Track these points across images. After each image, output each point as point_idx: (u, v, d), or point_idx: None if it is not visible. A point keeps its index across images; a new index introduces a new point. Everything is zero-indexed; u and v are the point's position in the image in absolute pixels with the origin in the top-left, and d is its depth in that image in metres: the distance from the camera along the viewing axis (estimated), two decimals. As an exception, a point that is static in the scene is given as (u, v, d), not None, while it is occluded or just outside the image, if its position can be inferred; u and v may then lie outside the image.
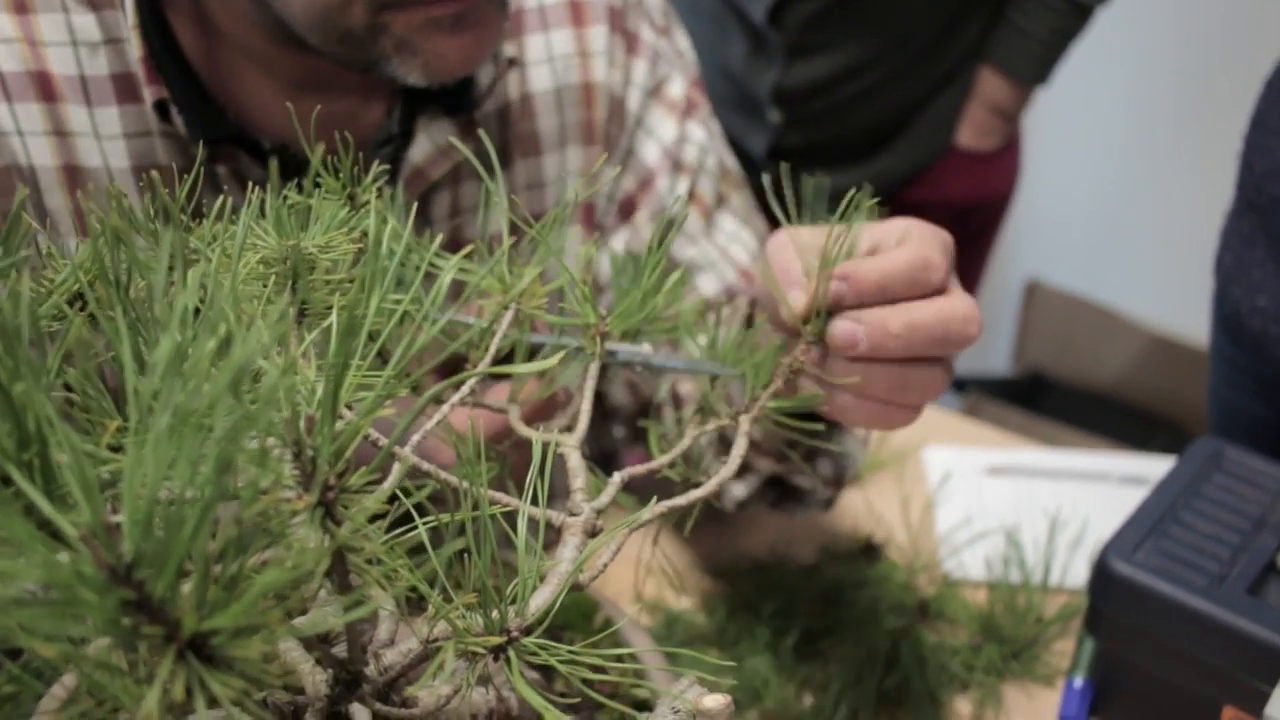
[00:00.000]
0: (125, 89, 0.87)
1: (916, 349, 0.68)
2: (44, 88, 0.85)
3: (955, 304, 0.69)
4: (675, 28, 1.12)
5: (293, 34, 0.82)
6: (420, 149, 0.93)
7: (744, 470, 1.03)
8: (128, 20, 0.84)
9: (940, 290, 0.70)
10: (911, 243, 0.70)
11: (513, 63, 0.96)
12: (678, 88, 1.08)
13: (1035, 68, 1.89)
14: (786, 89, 1.87)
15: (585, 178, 1.03)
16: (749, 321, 0.79)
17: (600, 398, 1.16)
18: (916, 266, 0.68)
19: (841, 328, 0.67)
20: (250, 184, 0.88)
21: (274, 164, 0.58)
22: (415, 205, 0.95)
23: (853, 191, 0.65)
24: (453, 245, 0.99)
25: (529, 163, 1.02)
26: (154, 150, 0.88)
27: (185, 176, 0.88)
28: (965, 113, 1.93)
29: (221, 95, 0.89)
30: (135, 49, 0.84)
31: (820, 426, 0.72)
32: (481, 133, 0.77)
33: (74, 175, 0.87)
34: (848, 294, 0.68)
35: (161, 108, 0.85)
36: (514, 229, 0.65)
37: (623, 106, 1.05)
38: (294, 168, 0.87)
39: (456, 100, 0.94)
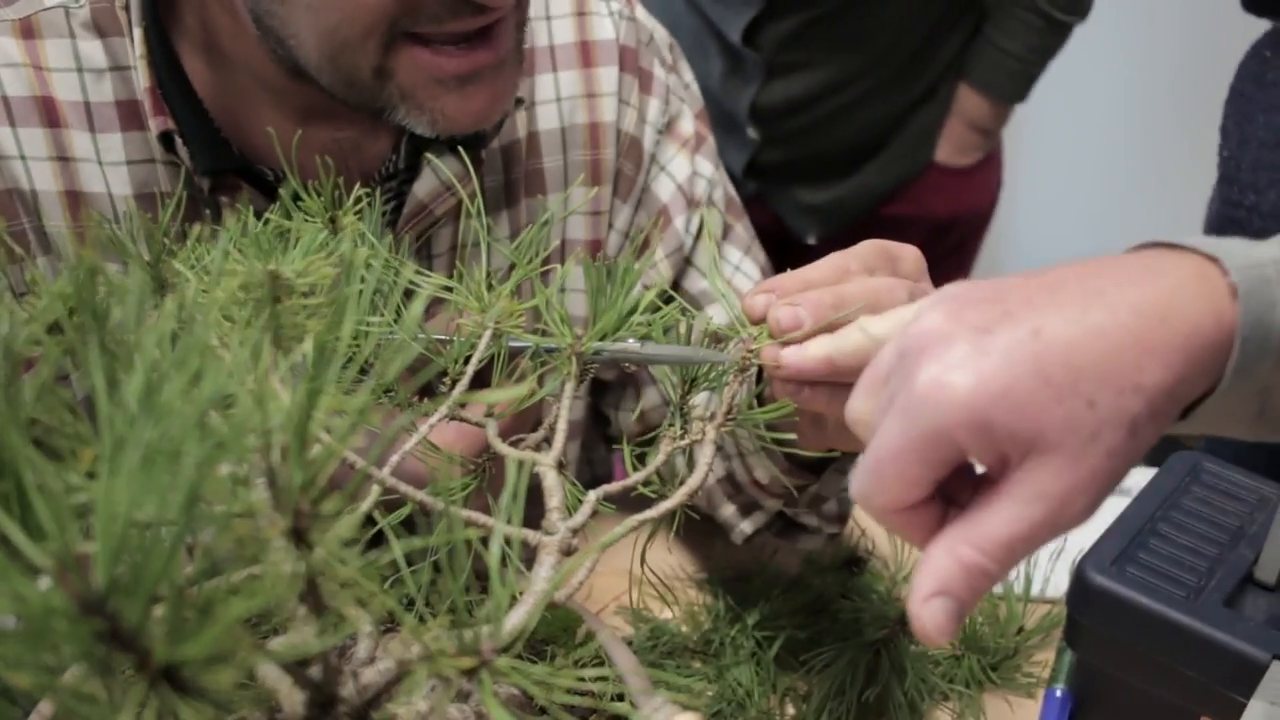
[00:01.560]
0: (129, 116, 0.87)
1: (852, 313, 0.69)
2: (48, 113, 0.85)
3: (880, 279, 0.71)
4: (680, 62, 1.13)
5: (304, 71, 0.83)
6: (425, 184, 0.93)
7: (753, 508, 1.04)
8: (135, 49, 0.84)
9: None
10: (832, 255, 0.72)
11: (520, 102, 0.96)
12: (688, 123, 1.09)
13: (1014, 85, 1.90)
14: (763, 107, 1.88)
15: (590, 216, 1.04)
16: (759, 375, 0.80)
17: (606, 423, 1.17)
18: (834, 271, 0.71)
19: (784, 312, 0.68)
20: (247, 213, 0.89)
21: (245, 204, 0.58)
22: (416, 240, 0.96)
23: None
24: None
25: (533, 201, 1.02)
26: (156, 178, 0.88)
27: (185, 205, 0.89)
28: (944, 129, 1.94)
29: (227, 126, 0.89)
30: (143, 79, 0.84)
31: (833, 454, 0.73)
32: (478, 171, 0.77)
33: (76, 201, 0.87)
34: (774, 300, 0.69)
35: (166, 139, 0.86)
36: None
37: (639, 145, 1.06)
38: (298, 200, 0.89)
39: (463, 139, 0.94)
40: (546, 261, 0.68)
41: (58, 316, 0.47)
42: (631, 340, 0.69)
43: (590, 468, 1.21)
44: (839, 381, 0.72)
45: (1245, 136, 1.12)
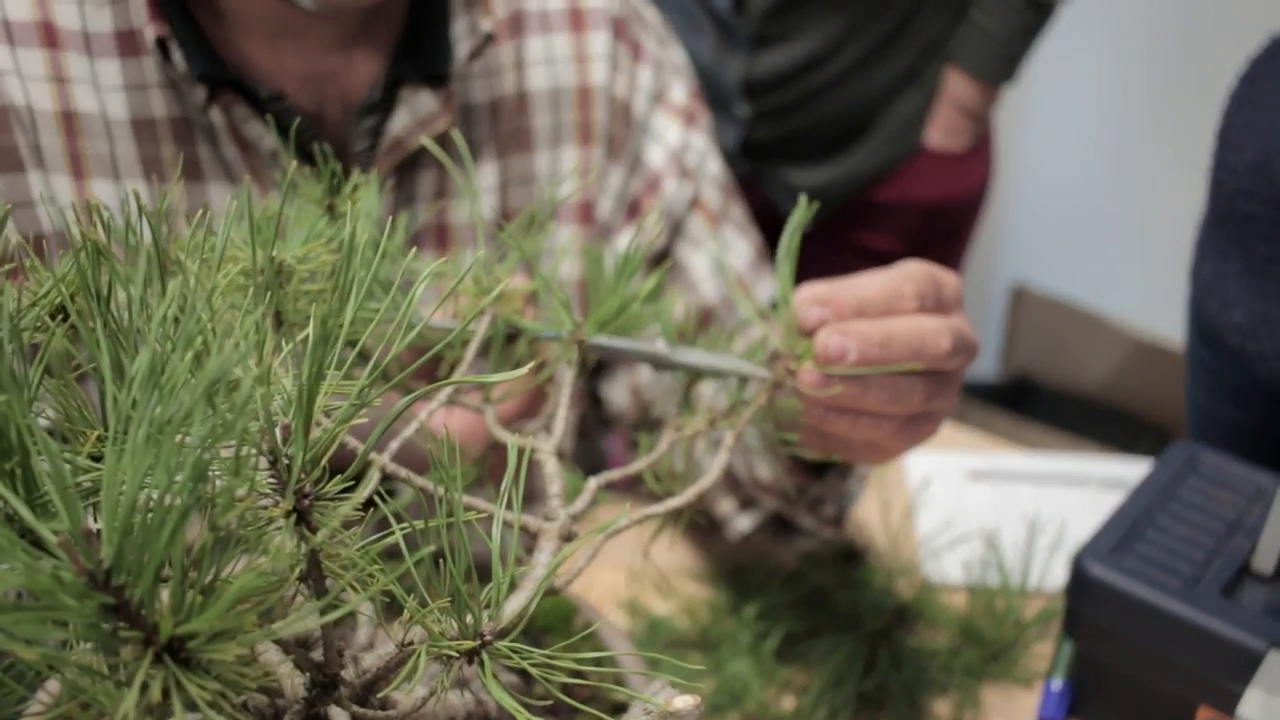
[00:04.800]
0: (127, 44, 0.90)
1: (897, 357, 0.70)
2: (48, 36, 0.88)
3: (928, 318, 0.72)
4: (672, 43, 1.14)
5: None
6: (400, 120, 0.94)
7: (750, 505, 1.05)
8: None
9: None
10: (890, 272, 0.73)
11: (490, 38, 0.97)
12: (679, 94, 1.11)
13: (999, 66, 1.92)
14: (753, 80, 1.92)
15: (580, 177, 1.05)
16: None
17: (598, 404, 1.18)
18: (889, 294, 0.72)
19: (832, 340, 0.69)
20: (245, 142, 0.91)
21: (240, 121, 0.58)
22: (394, 181, 0.97)
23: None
24: (437, 230, 1.00)
25: (521, 158, 1.03)
26: (151, 103, 0.90)
27: (180, 131, 0.90)
28: (933, 113, 1.96)
29: (220, 45, 0.91)
30: None
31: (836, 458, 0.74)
32: (455, 134, 0.78)
33: (71, 120, 0.89)
34: (829, 318, 0.70)
35: (162, 47, 0.87)
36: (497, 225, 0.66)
37: (628, 111, 1.07)
38: (288, 120, 0.91)
39: (433, 73, 0.95)
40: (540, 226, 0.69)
41: (61, 300, 0.47)
42: (660, 342, 0.70)
43: (588, 459, 1.21)
44: (864, 410, 0.73)
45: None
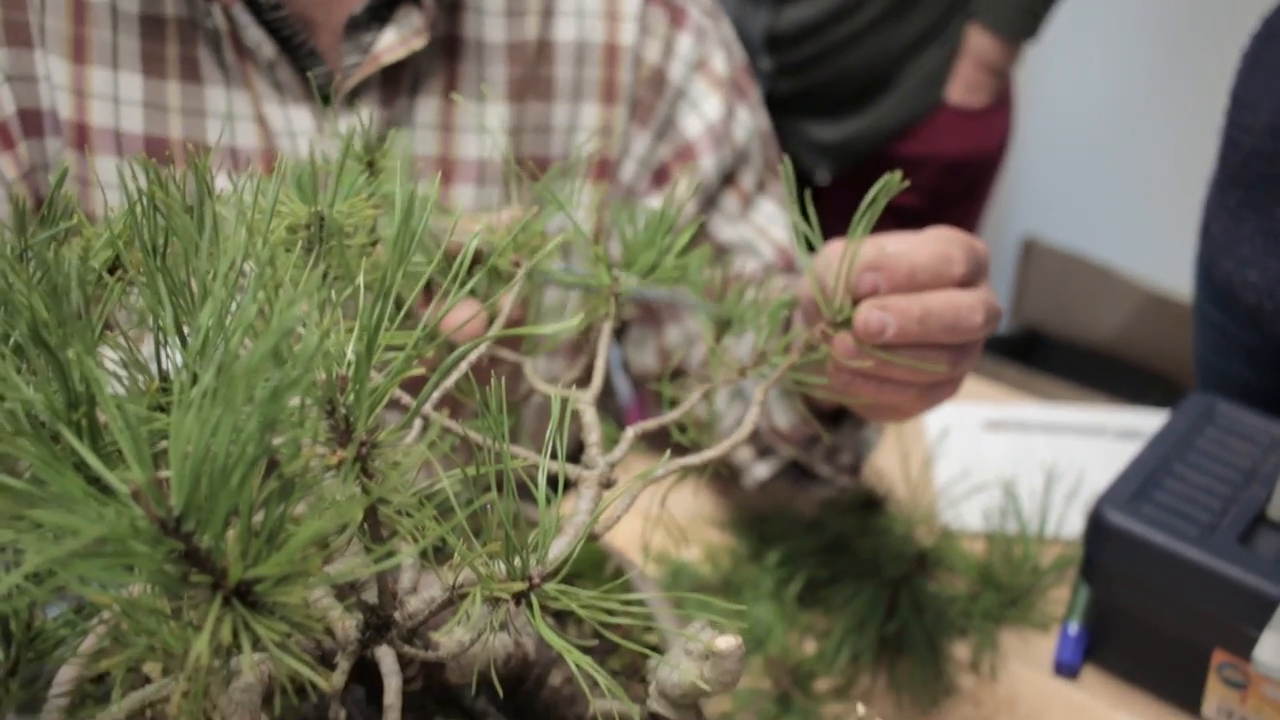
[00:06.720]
0: None
1: (932, 335, 0.71)
2: None
3: (963, 293, 0.72)
4: (723, 18, 1.14)
5: None
6: (387, 38, 0.95)
7: (767, 453, 1.06)
8: None
9: (958, 284, 0.73)
10: (936, 238, 0.74)
11: None
12: (722, 65, 1.10)
13: (1022, 23, 1.92)
14: (777, 33, 1.92)
15: (601, 136, 1.05)
16: (787, 322, 0.81)
17: (624, 366, 1.19)
18: (940, 260, 0.72)
19: (873, 316, 0.69)
20: (244, 49, 0.93)
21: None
22: (387, 101, 0.97)
23: (884, 178, 0.67)
24: (441, 162, 1.01)
25: (539, 106, 1.04)
26: (164, 2, 0.93)
27: (187, 32, 0.92)
28: (955, 69, 1.96)
29: None
30: None
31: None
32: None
33: (81, 7, 0.92)
34: (882, 284, 0.70)
35: None
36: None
37: (663, 76, 1.07)
38: (285, 30, 0.93)
39: None
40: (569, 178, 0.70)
41: (117, 253, 0.49)
42: (687, 293, 0.71)
43: (606, 416, 1.23)
44: (890, 377, 0.74)
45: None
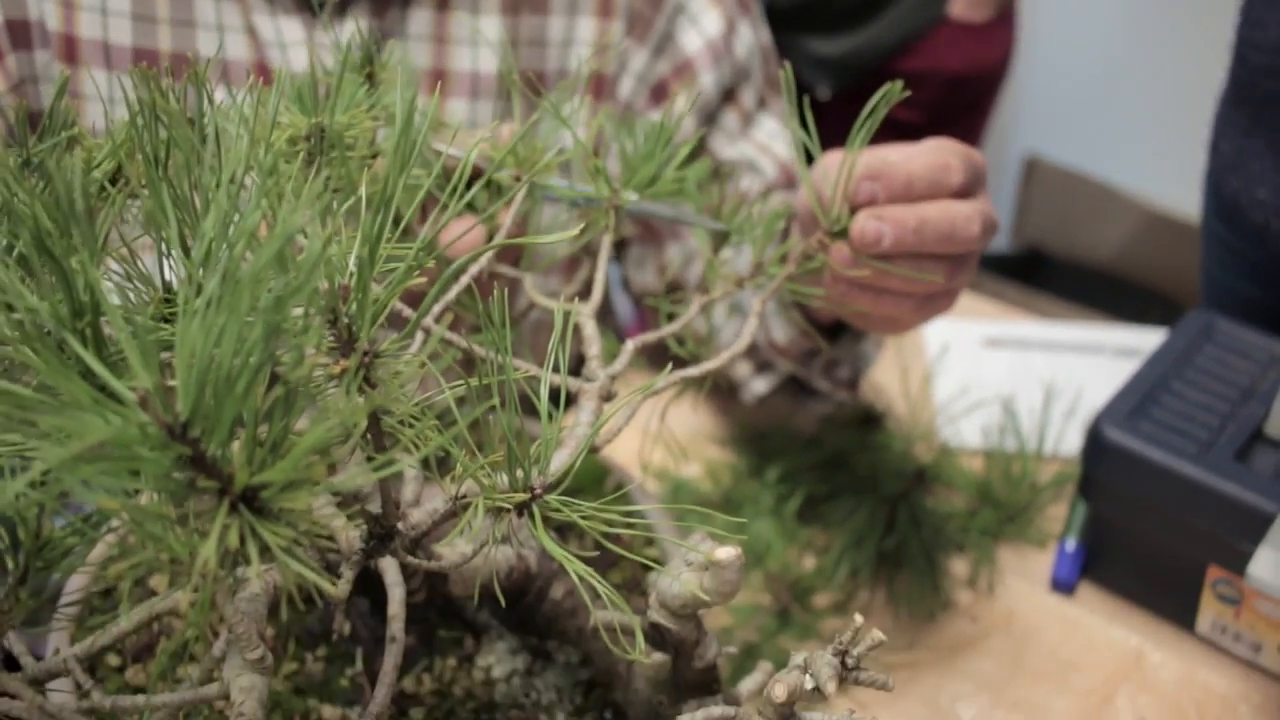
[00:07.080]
0: None
1: (928, 245, 0.71)
2: None
3: (959, 204, 0.72)
4: None
5: None
6: None
7: (766, 367, 1.06)
8: None
9: (955, 194, 0.73)
10: (934, 148, 0.73)
11: None
12: None
13: None
14: None
15: (597, 50, 1.04)
16: (784, 234, 0.81)
17: (624, 284, 1.19)
18: (937, 169, 0.72)
19: (869, 225, 0.70)
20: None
21: None
22: (378, 10, 0.97)
23: (885, 87, 0.66)
24: (434, 74, 1.00)
25: (534, 19, 1.03)
26: None
27: None
28: None
29: None
30: None
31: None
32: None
33: None
34: (879, 193, 0.70)
35: None
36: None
37: None
38: None
39: None
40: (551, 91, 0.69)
41: (119, 164, 0.48)
42: (688, 208, 0.71)
43: (606, 330, 1.23)
44: (887, 288, 0.74)
45: None
